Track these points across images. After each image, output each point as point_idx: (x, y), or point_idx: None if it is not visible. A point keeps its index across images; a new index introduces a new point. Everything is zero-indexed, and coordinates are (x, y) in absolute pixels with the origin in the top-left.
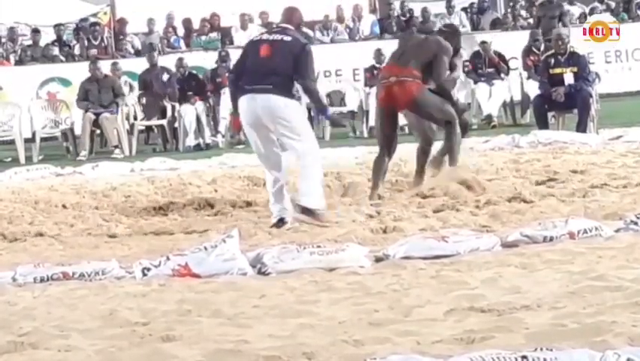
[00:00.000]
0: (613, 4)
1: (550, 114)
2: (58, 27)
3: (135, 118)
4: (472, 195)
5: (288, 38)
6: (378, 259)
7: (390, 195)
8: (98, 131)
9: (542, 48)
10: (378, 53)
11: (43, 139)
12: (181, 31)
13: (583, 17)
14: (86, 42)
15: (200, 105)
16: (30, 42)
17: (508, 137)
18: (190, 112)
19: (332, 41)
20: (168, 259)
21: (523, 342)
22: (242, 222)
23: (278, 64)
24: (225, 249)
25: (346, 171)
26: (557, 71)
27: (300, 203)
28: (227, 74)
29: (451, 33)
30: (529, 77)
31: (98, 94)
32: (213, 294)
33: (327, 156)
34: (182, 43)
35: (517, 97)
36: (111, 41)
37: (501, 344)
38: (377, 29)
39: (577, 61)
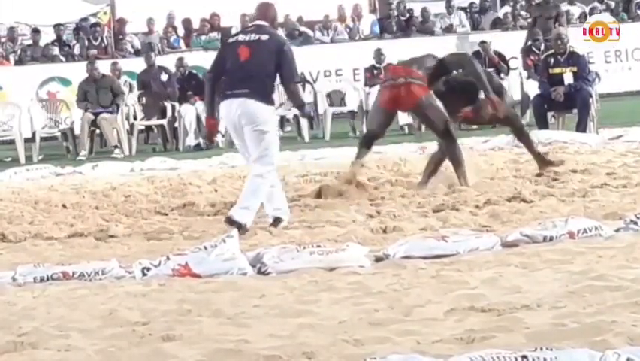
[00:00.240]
0: (613, 4)
1: (550, 114)
2: (58, 27)
3: (135, 118)
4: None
5: (265, 37)
6: (378, 259)
7: (390, 195)
8: (98, 131)
9: (542, 48)
10: (378, 53)
11: (43, 139)
12: (181, 31)
13: (583, 17)
14: (86, 42)
15: (200, 105)
16: (30, 42)
17: (508, 137)
18: (190, 112)
19: (332, 41)
20: (168, 258)
21: (523, 342)
22: None
23: (257, 66)
24: (225, 249)
25: (346, 171)
26: (557, 70)
27: (232, 216)
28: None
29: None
30: (528, 77)
31: (96, 94)
32: (213, 294)
33: (327, 155)
34: (182, 43)
35: (517, 97)
36: (111, 41)
37: (501, 344)
38: (377, 29)
39: (576, 61)
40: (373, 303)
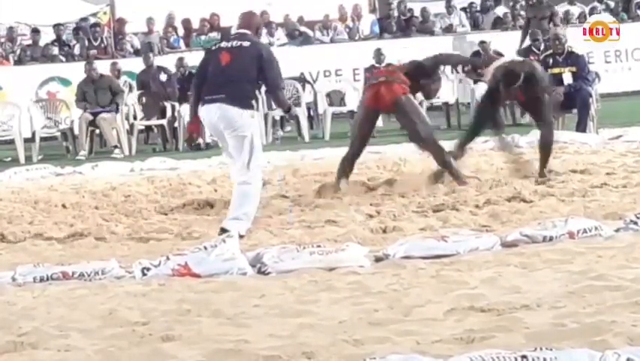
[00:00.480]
0: (612, 4)
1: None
2: (57, 27)
3: (135, 118)
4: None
5: (247, 44)
6: (378, 259)
7: (390, 195)
8: (98, 131)
9: (542, 48)
10: (378, 53)
11: (42, 139)
12: (181, 31)
13: (582, 17)
14: (85, 42)
15: None
16: (30, 42)
17: (508, 137)
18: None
19: (332, 41)
20: (168, 258)
21: (523, 342)
22: None
23: (237, 71)
24: (225, 249)
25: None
26: (556, 70)
27: (225, 226)
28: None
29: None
30: None
31: (94, 94)
32: (213, 294)
33: (327, 155)
34: (181, 43)
35: None
36: (111, 41)
37: (501, 344)
38: (377, 29)
39: (575, 61)
40: (373, 303)
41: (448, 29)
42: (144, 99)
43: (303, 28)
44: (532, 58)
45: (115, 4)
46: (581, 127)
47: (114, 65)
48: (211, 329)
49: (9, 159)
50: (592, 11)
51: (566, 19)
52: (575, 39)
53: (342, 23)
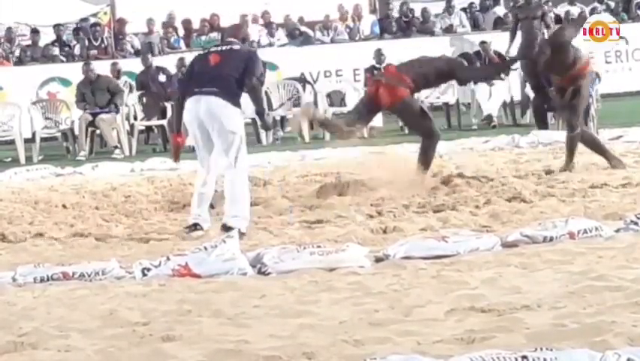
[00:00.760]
0: (612, 4)
1: (550, 114)
2: (57, 27)
3: (135, 118)
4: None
5: (236, 47)
6: (378, 259)
7: (390, 195)
8: (98, 132)
9: None
10: (378, 53)
11: (43, 139)
12: (181, 32)
13: (582, 17)
14: (86, 42)
15: None
16: (29, 42)
17: (508, 137)
18: None
19: (332, 41)
20: (168, 259)
21: (523, 342)
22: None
23: (226, 69)
24: (225, 249)
25: (346, 171)
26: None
27: (227, 223)
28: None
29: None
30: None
31: (92, 95)
32: (213, 294)
33: (327, 156)
34: (182, 43)
35: (518, 97)
36: (111, 41)
37: (501, 344)
38: (377, 29)
39: None
40: (373, 303)
41: (449, 30)
42: (144, 100)
43: (303, 29)
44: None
45: (115, 4)
46: None
47: (114, 66)
48: (211, 329)
49: (9, 159)
50: (592, 11)
51: (566, 19)
52: (574, 39)
53: (342, 23)
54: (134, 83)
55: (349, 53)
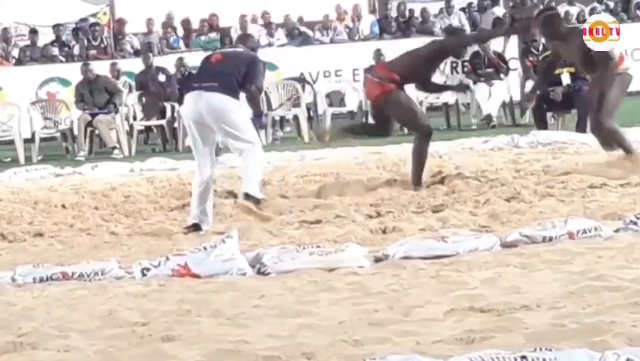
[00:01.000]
0: (612, 4)
1: (549, 114)
2: (57, 27)
3: (135, 118)
4: None
5: (240, 50)
6: (377, 259)
7: (389, 195)
8: (97, 132)
9: (541, 48)
10: (378, 53)
11: (42, 139)
12: (180, 32)
13: (581, 17)
14: (85, 42)
15: None
16: (28, 42)
17: (508, 137)
18: None
19: (331, 41)
20: (168, 259)
21: (522, 342)
22: (241, 223)
23: (228, 67)
24: (225, 249)
25: (346, 172)
26: (555, 71)
27: (243, 190)
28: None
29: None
30: (527, 78)
31: (91, 96)
32: (213, 294)
33: (327, 156)
34: (181, 43)
35: (517, 97)
36: (110, 41)
37: (501, 344)
38: (376, 29)
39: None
40: (373, 303)
41: None
42: (144, 100)
43: (302, 29)
44: (530, 59)
45: (114, 4)
46: (581, 127)
47: (114, 66)
48: (211, 329)
49: (9, 159)
50: (592, 11)
51: (566, 19)
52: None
53: (341, 23)
54: (133, 83)
55: (349, 53)
